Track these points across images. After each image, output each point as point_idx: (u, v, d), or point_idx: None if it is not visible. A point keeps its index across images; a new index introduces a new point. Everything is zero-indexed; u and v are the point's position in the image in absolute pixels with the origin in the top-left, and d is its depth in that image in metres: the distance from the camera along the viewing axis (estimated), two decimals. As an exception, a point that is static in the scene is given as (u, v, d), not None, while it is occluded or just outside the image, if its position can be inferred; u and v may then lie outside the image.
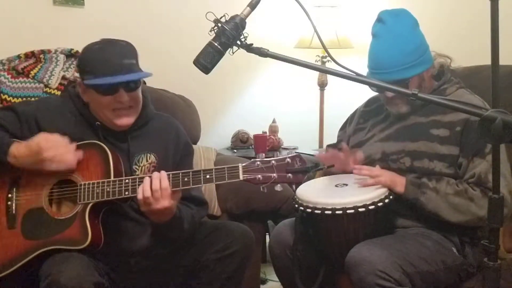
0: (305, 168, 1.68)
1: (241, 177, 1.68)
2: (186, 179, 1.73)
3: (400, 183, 1.86)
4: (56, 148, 1.77)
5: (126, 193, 1.76)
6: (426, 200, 1.83)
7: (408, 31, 1.93)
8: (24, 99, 2.52)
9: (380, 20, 1.96)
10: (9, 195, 1.86)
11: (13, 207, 1.84)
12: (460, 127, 1.88)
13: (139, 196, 1.73)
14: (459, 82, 2.01)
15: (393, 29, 1.92)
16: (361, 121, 2.17)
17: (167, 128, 2.07)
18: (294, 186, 1.76)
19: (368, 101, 2.20)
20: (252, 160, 1.69)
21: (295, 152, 2.43)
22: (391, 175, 1.88)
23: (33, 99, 2.52)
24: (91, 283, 1.66)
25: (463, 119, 1.86)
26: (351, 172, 1.95)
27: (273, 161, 1.68)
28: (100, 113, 1.91)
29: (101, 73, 1.83)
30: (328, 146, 2.33)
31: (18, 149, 1.79)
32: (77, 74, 2.59)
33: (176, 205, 1.80)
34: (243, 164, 1.69)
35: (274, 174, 1.67)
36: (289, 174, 1.67)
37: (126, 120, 1.91)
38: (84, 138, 1.89)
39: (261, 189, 1.69)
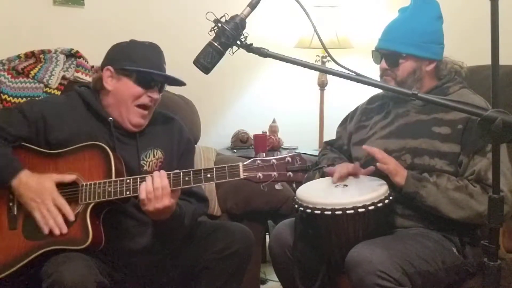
0: (305, 167, 1.70)
1: (241, 176, 1.69)
2: (187, 178, 1.74)
3: (401, 174, 1.86)
4: (54, 205, 1.77)
5: (127, 192, 1.77)
6: (426, 194, 1.83)
7: (426, 17, 1.97)
8: (24, 99, 2.51)
9: (411, 1, 2.01)
10: (11, 197, 1.86)
11: (15, 209, 1.84)
12: (461, 125, 1.88)
13: (142, 195, 1.74)
14: (462, 82, 2.02)
15: (415, 10, 1.98)
16: (364, 119, 2.17)
17: (171, 125, 2.11)
18: (294, 185, 1.77)
19: (371, 98, 2.20)
20: (253, 159, 1.71)
21: (295, 152, 2.44)
22: (396, 165, 1.88)
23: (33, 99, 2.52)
24: (94, 283, 1.66)
25: (465, 117, 1.86)
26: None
27: (273, 160, 1.69)
28: (119, 106, 1.94)
29: (147, 65, 1.91)
30: (326, 142, 2.34)
31: (28, 178, 1.79)
32: (77, 74, 2.61)
33: (175, 203, 1.81)
34: (244, 163, 1.70)
35: (275, 173, 1.68)
36: (290, 173, 1.69)
37: (141, 121, 1.96)
38: (93, 133, 1.91)
39: (262, 188, 1.70)
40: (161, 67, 1.97)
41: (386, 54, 1.99)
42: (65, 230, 1.76)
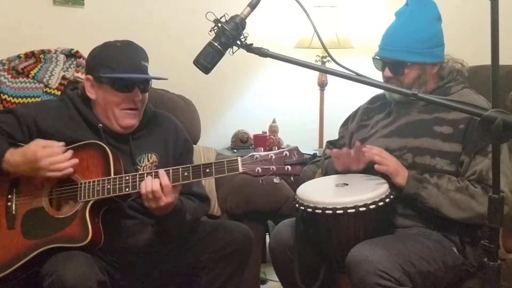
0: (302, 160, 1.71)
1: (240, 170, 1.70)
2: (186, 173, 1.75)
3: (402, 175, 1.86)
4: (51, 156, 1.77)
5: (127, 189, 1.77)
6: (427, 195, 1.83)
7: (426, 20, 1.96)
8: (24, 99, 2.52)
9: (406, 3, 2.00)
10: (9, 196, 1.86)
11: (13, 208, 1.85)
12: (463, 125, 1.88)
13: (143, 197, 1.76)
14: (464, 82, 2.02)
15: (414, 13, 1.96)
16: (365, 118, 2.17)
17: (166, 126, 2.08)
18: (292, 179, 1.77)
19: (373, 98, 2.21)
20: (251, 154, 1.72)
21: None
22: (397, 164, 1.88)
23: (33, 99, 2.52)
24: (95, 281, 1.67)
25: (467, 117, 1.86)
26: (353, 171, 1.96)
27: (271, 154, 1.71)
28: (106, 112, 1.92)
29: (122, 69, 1.87)
30: (329, 142, 2.34)
31: (13, 157, 1.79)
32: (77, 75, 2.61)
33: (177, 198, 1.81)
34: (242, 157, 1.72)
35: (273, 166, 1.70)
36: (288, 166, 1.70)
37: (130, 122, 1.93)
38: (84, 140, 1.89)
39: (260, 182, 1.71)
40: (139, 66, 1.90)
41: (390, 63, 1.98)
42: (76, 161, 1.79)
